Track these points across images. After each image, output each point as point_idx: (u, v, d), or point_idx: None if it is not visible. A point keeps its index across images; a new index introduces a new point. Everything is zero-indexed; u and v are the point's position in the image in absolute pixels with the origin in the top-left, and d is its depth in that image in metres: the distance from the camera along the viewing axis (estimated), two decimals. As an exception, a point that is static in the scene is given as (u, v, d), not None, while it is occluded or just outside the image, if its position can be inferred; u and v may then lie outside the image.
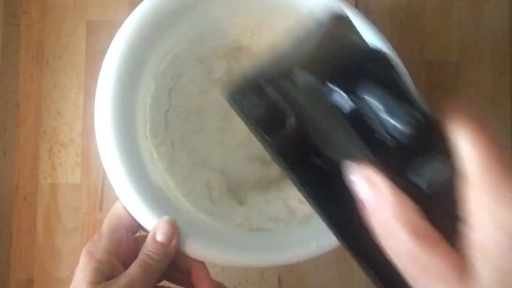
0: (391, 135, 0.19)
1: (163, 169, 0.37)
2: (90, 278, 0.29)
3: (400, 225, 0.19)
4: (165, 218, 0.32)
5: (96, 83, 0.45)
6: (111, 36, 0.45)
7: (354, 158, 0.21)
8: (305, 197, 0.25)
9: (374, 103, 0.19)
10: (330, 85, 0.19)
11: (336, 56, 0.21)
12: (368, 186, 0.20)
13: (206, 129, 0.41)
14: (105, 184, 0.44)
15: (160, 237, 0.31)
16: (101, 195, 0.44)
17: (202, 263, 0.33)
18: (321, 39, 0.23)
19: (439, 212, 0.20)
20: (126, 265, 0.31)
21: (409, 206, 0.19)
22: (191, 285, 0.33)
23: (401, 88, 0.19)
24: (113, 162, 0.32)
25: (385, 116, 0.19)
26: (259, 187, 0.41)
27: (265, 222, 0.38)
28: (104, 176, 0.44)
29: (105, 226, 0.32)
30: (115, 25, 0.46)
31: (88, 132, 0.44)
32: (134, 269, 0.30)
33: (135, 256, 0.31)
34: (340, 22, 0.24)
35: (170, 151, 0.39)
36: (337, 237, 0.24)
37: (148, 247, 0.31)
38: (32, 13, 0.45)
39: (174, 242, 0.31)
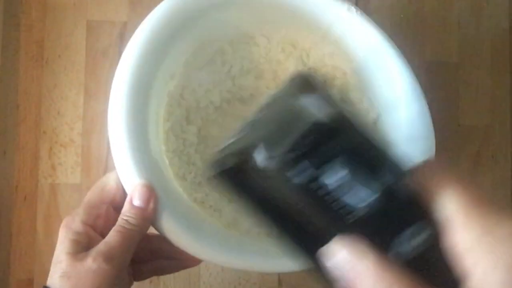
0: (361, 209, 0.18)
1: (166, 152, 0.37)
2: (69, 249, 0.29)
3: None
4: (142, 182, 0.31)
5: (96, 83, 0.45)
6: (111, 36, 0.46)
7: (330, 235, 0.20)
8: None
9: (327, 183, 0.18)
10: (287, 166, 0.19)
11: (297, 129, 0.20)
12: (348, 261, 0.19)
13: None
14: (105, 184, 0.44)
15: (136, 201, 0.31)
16: (101, 195, 0.44)
17: None
18: (283, 105, 0.23)
19: (430, 279, 0.19)
20: (105, 236, 0.31)
21: (394, 276, 0.19)
22: (182, 267, 0.33)
23: (364, 151, 0.19)
24: (119, 133, 0.32)
25: (349, 192, 0.18)
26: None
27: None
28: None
29: (85, 200, 0.32)
30: (115, 25, 0.47)
31: (88, 132, 0.44)
32: (112, 235, 0.30)
33: None
34: (303, 82, 0.24)
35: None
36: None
37: (125, 212, 0.31)
38: (32, 13, 0.45)
39: (151, 205, 0.31)
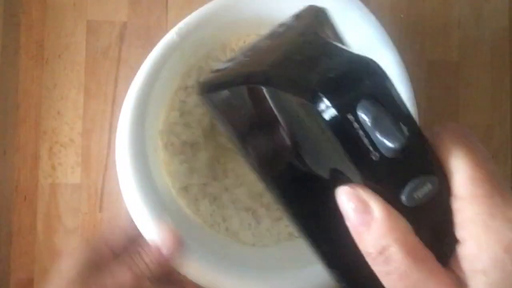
0: (379, 151, 0.18)
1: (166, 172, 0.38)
2: (82, 264, 0.29)
3: (395, 245, 0.19)
4: (172, 230, 0.31)
5: (96, 83, 0.45)
6: (111, 36, 0.46)
7: (342, 176, 0.20)
8: (288, 217, 0.25)
9: (365, 118, 0.18)
10: (320, 97, 0.18)
11: (320, 62, 0.20)
12: (359, 205, 0.19)
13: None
14: (105, 184, 0.44)
15: (162, 248, 0.31)
16: (101, 195, 0.44)
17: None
18: (301, 35, 0.22)
19: (426, 230, 0.20)
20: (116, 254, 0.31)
21: (403, 225, 0.19)
22: None
23: (390, 100, 0.19)
24: (128, 176, 0.33)
25: (375, 132, 0.18)
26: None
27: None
28: (104, 176, 0.44)
29: (107, 226, 0.32)
30: (115, 25, 0.47)
31: (88, 132, 0.44)
32: (122, 270, 0.30)
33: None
34: (319, 16, 0.24)
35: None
36: (328, 268, 0.23)
37: (146, 254, 0.31)
38: (32, 13, 0.45)
39: (174, 253, 0.31)
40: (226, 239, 0.38)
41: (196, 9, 0.38)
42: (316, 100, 0.18)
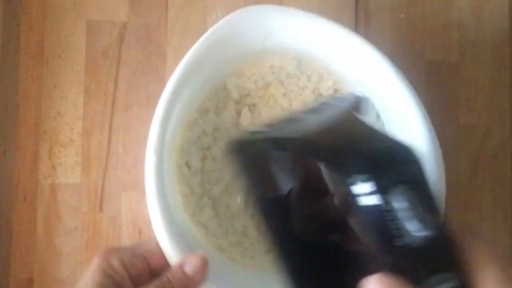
0: (406, 239, 0.19)
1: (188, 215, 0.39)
2: (100, 281, 0.29)
3: None
4: (200, 252, 0.32)
5: (96, 83, 0.45)
6: (111, 36, 0.46)
7: (370, 261, 0.21)
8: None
9: (399, 204, 0.19)
10: (358, 178, 0.19)
11: (361, 144, 0.21)
12: None
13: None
14: (105, 184, 0.44)
15: (188, 269, 0.31)
16: (101, 195, 0.44)
17: None
18: (340, 116, 0.23)
19: None
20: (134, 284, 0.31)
21: None
22: None
23: (424, 190, 0.19)
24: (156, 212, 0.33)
25: (408, 218, 0.19)
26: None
27: None
28: (104, 176, 0.44)
29: (130, 245, 0.33)
30: (115, 25, 0.47)
31: (88, 132, 0.44)
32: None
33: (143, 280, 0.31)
34: (359, 104, 0.25)
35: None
36: None
37: (172, 274, 0.31)
38: (32, 13, 0.45)
39: (198, 277, 0.31)
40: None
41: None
42: (353, 181, 0.19)
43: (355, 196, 0.19)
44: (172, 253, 0.32)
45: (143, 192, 0.34)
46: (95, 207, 0.44)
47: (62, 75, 0.45)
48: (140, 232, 0.44)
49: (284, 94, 0.40)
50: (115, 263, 0.30)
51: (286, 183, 0.25)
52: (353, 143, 0.21)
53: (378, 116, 0.37)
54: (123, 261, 0.31)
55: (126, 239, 0.44)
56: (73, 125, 0.44)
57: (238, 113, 0.41)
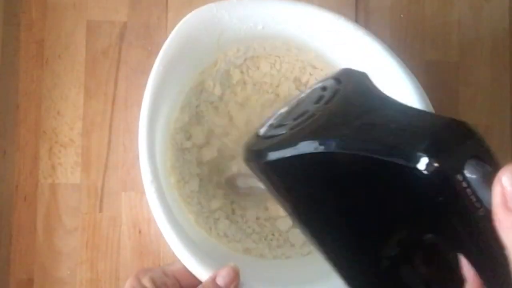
0: (485, 207, 0.19)
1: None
2: None
3: None
4: (231, 263, 0.32)
5: (96, 83, 0.45)
6: (111, 36, 0.46)
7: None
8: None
9: (473, 177, 0.19)
10: (430, 162, 0.19)
11: (409, 126, 0.21)
12: None
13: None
14: (105, 184, 0.44)
15: (220, 281, 0.32)
16: (101, 195, 0.44)
17: None
18: (365, 100, 0.23)
19: None
20: None
21: None
22: None
23: (491, 158, 0.21)
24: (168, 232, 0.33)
25: (485, 189, 0.19)
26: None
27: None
28: (104, 176, 0.44)
29: (162, 266, 0.34)
30: (115, 25, 0.47)
31: (88, 132, 0.44)
32: None
33: None
34: (364, 79, 0.24)
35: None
36: None
37: (204, 286, 0.32)
38: (32, 13, 0.45)
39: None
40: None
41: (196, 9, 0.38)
42: (427, 167, 0.19)
43: (427, 177, 0.19)
44: (199, 271, 0.32)
45: (143, 192, 0.34)
46: (95, 207, 0.44)
47: (62, 75, 0.45)
48: (140, 232, 0.44)
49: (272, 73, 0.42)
50: (147, 282, 0.31)
51: (346, 194, 0.24)
52: (400, 127, 0.21)
53: None
54: (154, 281, 0.32)
55: (126, 239, 0.44)
56: (73, 125, 0.44)
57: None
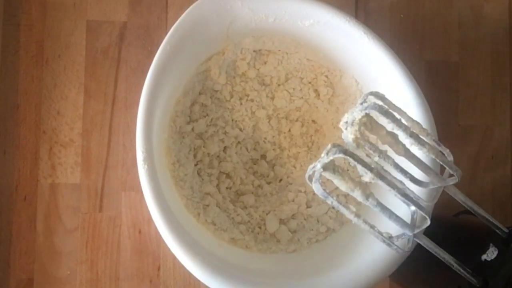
0: None
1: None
2: None
3: None
4: None
5: (96, 83, 0.45)
6: (111, 36, 0.46)
7: None
8: None
9: None
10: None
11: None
12: None
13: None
14: (105, 184, 0.44)
15: None
16: (101, 195, 0.44)
17: None
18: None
19: None
20: None
21: None
22: None
23: None
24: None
25: None
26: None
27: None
28: (104, 176, 0.44)
29: None
30: (115, 25, 0.47)
31: (88, 132, 0.44)
32: None
33: None
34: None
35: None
36: None
37: None
38: (32, 13, 0.45)
39: None
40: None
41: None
42: None
43: None
44: (184, 256, 0.33)
45: (142, 192, 0.34)
46: (95, 207, 0.44)
47: (62, 75, 0.45)
48: (140, 232, 0.44)
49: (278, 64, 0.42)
50: None
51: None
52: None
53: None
54: None
55: (126, 239, 0.44)
56: (73, 125, 0.44)
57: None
